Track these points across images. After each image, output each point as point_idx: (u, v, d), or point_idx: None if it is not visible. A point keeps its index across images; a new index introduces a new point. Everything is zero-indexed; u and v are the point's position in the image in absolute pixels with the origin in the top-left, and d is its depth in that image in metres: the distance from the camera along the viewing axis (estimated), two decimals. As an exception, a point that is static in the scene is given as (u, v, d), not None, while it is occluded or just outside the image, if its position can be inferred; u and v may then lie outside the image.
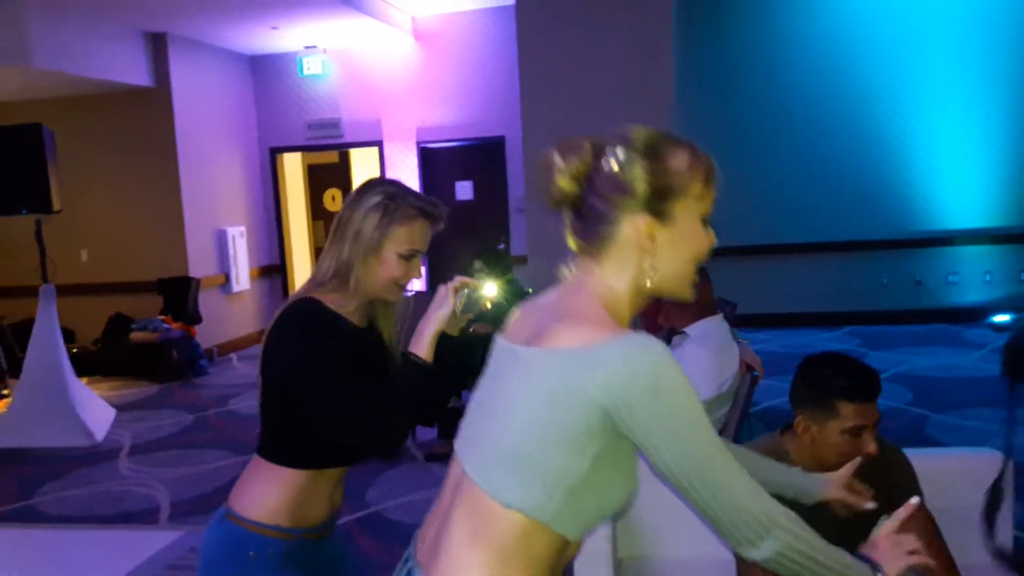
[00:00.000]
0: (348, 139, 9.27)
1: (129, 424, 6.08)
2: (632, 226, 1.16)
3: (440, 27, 8.78)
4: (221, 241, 8.67)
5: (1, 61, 6.62)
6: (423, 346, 1.64)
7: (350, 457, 1.74)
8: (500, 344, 1.27)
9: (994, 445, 2.52)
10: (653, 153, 1.16)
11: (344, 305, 1.68)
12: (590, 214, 1.18)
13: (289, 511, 1.65)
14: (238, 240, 8.84)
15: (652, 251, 1.16)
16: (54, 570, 3.71)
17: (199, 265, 8.29)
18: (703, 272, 4.34)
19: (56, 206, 5.89)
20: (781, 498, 1.22)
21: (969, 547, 2.33)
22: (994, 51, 7.69)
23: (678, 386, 1.06)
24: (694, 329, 3.04)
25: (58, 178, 5.93)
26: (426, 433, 5.32)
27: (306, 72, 9.10)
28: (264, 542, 1.64)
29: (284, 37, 8.43)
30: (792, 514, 1.14)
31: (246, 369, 7.97)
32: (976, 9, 7.69)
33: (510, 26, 8.20)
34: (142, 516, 4.32)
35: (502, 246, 8.62)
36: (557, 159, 1.18)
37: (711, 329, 3.00)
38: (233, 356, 8.60)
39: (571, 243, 1.23)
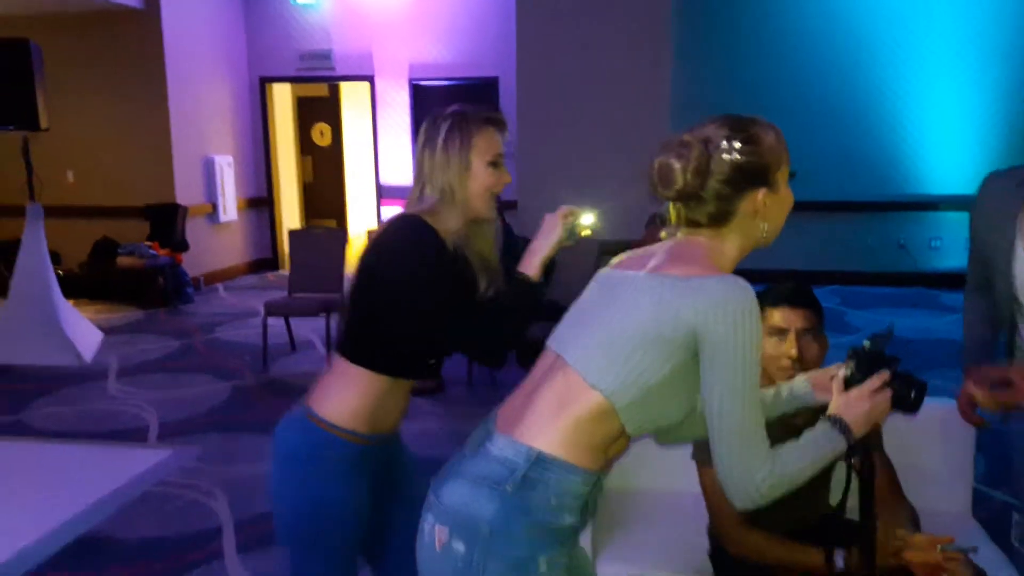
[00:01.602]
0: (339, 72, 9.17)
1: (116, 347, 6.12)
2: (752, 200, 1.38)
3: (438, -38, 8.63)
4: (209, 170, 8.61)
5: (-11, -27, 6.47)
6: (534, 268, 1.76)
7: (432, 368, 1.89)
8: (607, 273, 1.48)
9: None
10: (752, 137, 1.38)
11: (445, 228, 1.78)
12: (713, 197, 1.37)
13: (367, 417, 1.78)
14: (226, 170, 8.78)
15: (765, 216, 1.40)
16: (45, 482, 3.80)
17: (186, 193, 8.24)
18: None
19: (43, 123, 5.82)
20: (784, 418, 1.57)
21: (930, 493, 2.45)
22: (986, 18, 7.69)
23: (752, 328, 1.27)
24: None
25: (45, 95, 5.84)
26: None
27: (299, 1, 8.94)
28: (341, 444, 1.76)
29: (279, -37, 8.26)
30: (780, 460, 1.33)
31: (232, 299, 8.00)
32: (979, -27, 7.66)
33: (510, -35, 8.08)
34: (131, 435, 4.40)
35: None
36: (676, 161, 1.37)
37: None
38: (219, 286, 8.61)
39: (689, 219, 1.41)
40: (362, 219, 10.57)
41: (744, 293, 1.28)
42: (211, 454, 4.10)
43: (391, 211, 9.20)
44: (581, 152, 6.74)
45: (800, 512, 2.21)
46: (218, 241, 8.84)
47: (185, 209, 8.03)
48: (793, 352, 2.01)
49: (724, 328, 1.26)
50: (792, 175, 1.43)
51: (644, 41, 6.63)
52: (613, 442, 1.40)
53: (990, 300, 2.16)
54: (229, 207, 8.85)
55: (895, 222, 8.09)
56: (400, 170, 9.18)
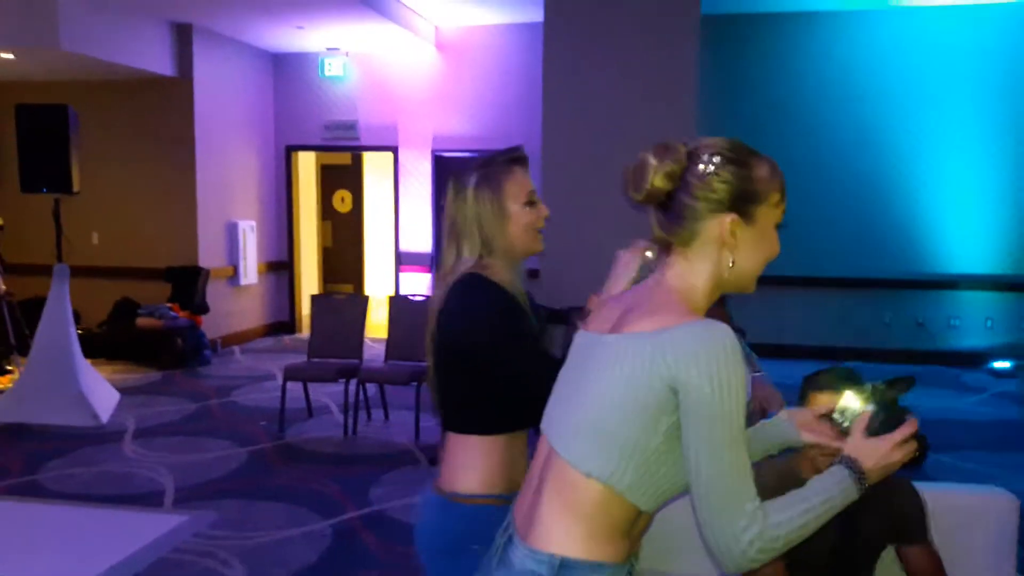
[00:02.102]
0: (364, 142, 9.35)
1: (132, 408, 6.11)
2: (719, 222, 1.29)
3: (462, 39, 8.88)
4: (232, 234, 8.72)
5: (31, 42, 6.70)
6: None
7: (537, 415, 1.86)
8: (583, 335, 1.39)
9: (996, 486, 2.57)
10: (742, 161, 1.30)
11: (502, 278, 1.79)
12: (680, 210, 1.30)
13: (501, 477, 1.76)
14: (248, 234, 8.90)
15: (733, 246, 1.30)
16: (58, 546, 3.74)
17: (209, 256, 8.34)
18: (721, 298, 4.37)
19: (76, 187, 5.95)
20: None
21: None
22: (1006, 99, 7.81)
23: (732, 378, 1.17)
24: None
25: (79, 160, 5.99)
26: (430, 436, 5.36)
27: (327, 73, 9.19)
28: (493, 511, 1.70)
29: (308, 37, 8.52)
30: (771, 511, 1.22)
31: (248, 362, 8.00)
32: (988, 57, 7.82)
33: (530, 41, 8.31)
34: (146, 499, 4.36)
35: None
36: (653, 159, 1.30)
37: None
38: (236, 349, 8.63)
39: (657, 236, 1.35)
40: (379, 284, 10.64)
41: (717, 337, 1.18)
42: (227, 520, 4.05)
43: (410, 277, 9.28)
44: (606, 222, 6.80)
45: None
46: (237, 304, 8.89)
47: (207, 272, 8.12)
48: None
49: (699, 379, 1.17)
50: (782, 225, 1.36)
51: (669, 114, 6.76)
52: (635, 521, 1.32)
53: None
54: (250, 270, 8.94)
55: (913, 300, 8.07)
56: (419, 237, 9.28)
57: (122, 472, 4.77)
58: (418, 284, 9.14)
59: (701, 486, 1.19)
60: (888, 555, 2.17)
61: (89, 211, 8.08)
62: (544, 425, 1.41)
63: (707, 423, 1.17)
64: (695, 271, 1.32)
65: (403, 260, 9.36)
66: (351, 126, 9.29)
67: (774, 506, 1.22)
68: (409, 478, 4.69)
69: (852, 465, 1.29)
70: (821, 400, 1.98)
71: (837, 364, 2.08)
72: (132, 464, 4.91)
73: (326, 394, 6.37)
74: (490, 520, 1.68)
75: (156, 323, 7.69)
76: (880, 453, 1.31)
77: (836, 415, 1.44)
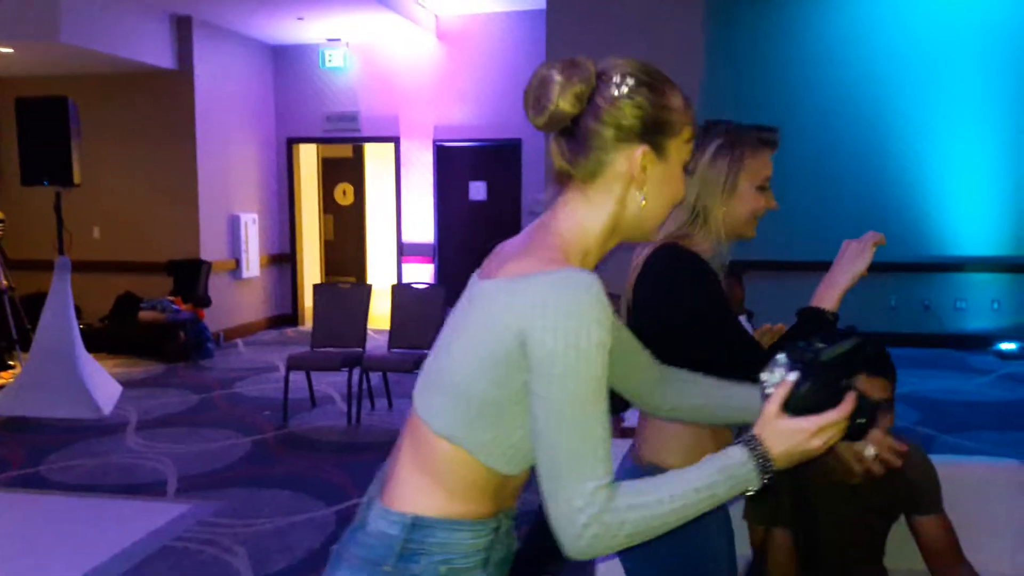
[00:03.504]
0: (365, 133, 9.31)
1: (135, 401, 6.09)
2: (628, 154, 1.13)
3: (463, 27, 8.83)
4: (234, 227, 8.70)
5: (31, 36, 6.66)
6: (833, 300, 1.66)
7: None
8: (471, 282, 1.23)
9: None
10: (656, 87, 1.14)
11: (705, 249, 1.70)
12: (585, 137, 1.13)
13: (691, 451, 1.62)
14: (250, 227, 8.87)
15: (643, 182, 1.14)
16: (59, 536, 3.72)
17: (211, 249, 8.31)
18: (738, 275, 4.34)
19: (77, 179, 5.92)
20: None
21: (985, 553, 2.35)
22: (1014, 80, 7.74)
23: (581, 331, 1.01)
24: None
25: (80, 152, 5.96)
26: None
27: (327, 64, 9.15)
28: None
29: (308, 28, 8.48)
30: (622, 493, 1.04)
31: (251, 354, 7.98)
32: (997, 39, 7.74)
33: (532, 29, 8.26)
34: (149, 489, 4.33)
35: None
36: (557, 76, 1.11)
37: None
38: (239, 341, 8.61)
39: (558, 167, 1.18)
40: (381, 276, 10.60)
41: (575, 288, 1.02)
42: (231, 509, 4.02)
43: (411, 268, 9.24)
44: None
45: (858, 572, 2.12)
46: (240, 297, 8.87)
47: (209, 265, 8.09)
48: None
49: (542, 332, 1.01)
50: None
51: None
52: (500, 484, 1.17)
53: None
54: (252, 263, 8.91)
55: (920, 283, 8.01)
56: (422, 228, 9.24)
57: (125, 463, 4.75)
58: (421, 274, 9.10)
59: (540, 453, 1.04)
60: (900, 529, 2.13)
61: (90, 206, 8.05)
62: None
63: (548, 381, 1.02)
64: (593, 210, 1.16)
65: (405, 251, 9.32)
66: (352, 117, 9.25)
67: (629, 487, 1.04)
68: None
69: (756, 448, 1.07)
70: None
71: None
72: (135, 455, 4.89)
73: (329, 384, 6.34)
74: None
75: (158, 317, 7.67)
76: (796, 438, 1.07)
77: (763, 375, 1.13)
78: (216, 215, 8.44)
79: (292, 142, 9.53)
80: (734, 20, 8.10)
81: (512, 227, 8.78)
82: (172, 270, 8.05)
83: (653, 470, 1.59)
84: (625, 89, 1.12)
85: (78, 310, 7.85)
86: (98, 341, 7.49)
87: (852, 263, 1.66)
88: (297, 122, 9.43)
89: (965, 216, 7.89)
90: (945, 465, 2.35)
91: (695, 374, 1.45)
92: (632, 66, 1.14)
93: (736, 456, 1.07)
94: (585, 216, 1.16)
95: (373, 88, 9.15)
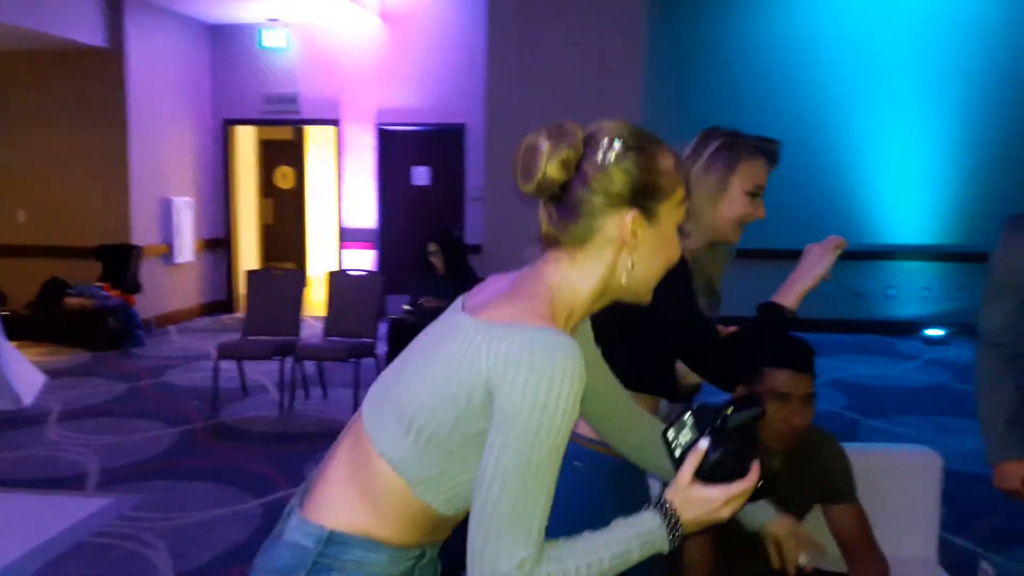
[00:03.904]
0: (305, 115, 9.12)
1: (59, 391, 5.88)
2: (618, 220, 1.12)
3: (408, 9, 8.69)
4: (166, 210, 8.45)
5: (-56, 7, 6.36)
6: (793, 298, 1.68)
7: (672, 391, 1.81)
8: (451, 308, 1.22)
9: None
10: (646, 150, 1.13)
11: (689, 249, 1.73)
12: (574, 203, 1.11)
13: None
14: (184, 211, 8.63)
15: (634, 247, 1.13)
16: (-28, 532, 3.57)
17: (142, 233, 8.07)
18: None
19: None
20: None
21: (896, 539, 2.40)
22: (946, 74, 7.93)
23: (554, 399, 1.00)
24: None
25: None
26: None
27: (266, 44, 8.93)
28: (594, 456, 1.65)
29: (247, 7, 8.25)
30: (560, 551, 1.05)
31: (184, 342, 7.79)
32: (930, 32, 7.92)
33: (478, 12, 8.17)
34: (69, 482, 4.19)
35: (457, 233, 8.56)
36: (545, 143, 1.10)
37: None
38: (172, 329, 8.39)
39: (545, 232, 1.16)
40: (322, 262, 10.44)
41: (554, 353, 1.00)
42: (154, 502, 3.91)
43: (352, 254, 9.12)
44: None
45: (771, 568, 2.13)
46: (173, 283, 8.64)
47: (140, 250, 7.85)
48: (796, 421, 1.92)
49: (512, 387, 1.00)
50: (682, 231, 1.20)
51: (613, 92, 6.70)
52: (433, 521, 1.15)
53: (1016, 358, 2.06)
54: (186, 248, 8.68)
55: (852, 271, 8.18)
56: (363, 213, 9.11)
57: (44, 456, 4.59)
58: (362, 261, 8.98)
59: (478, 504, 1.02)
60: (814, 515, 2.16)
61: (15, 188, 7.75)
62: (373, 385, 1.25)
63: (506, 438, 1.00)
64: (582, 273, 1.14)
65: (346, 237, 9.19)
66: (292, 99, 9.05)
67: (551, 557, 1.03)
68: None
69: (669, 515, 1.09)
70: (778, 380, 1.93)
71: (795, 337, 2.02)
72: (56, 447, 4.73)
73: (263, 373, 6.22)
74: (582, 459, 1.64)
75: (86, 303, 7.43)
76: (707, 507, 1.10)
77: (669, 434, 1.16)
78: (148, 198, 8.19)
79: (229, 124, 9.29)
80: (676, 9, 8.14)
81: (455, 213, 8.72)
82: (101, 255, 7.79)
83: (575, 438, 1.55)
84: (612, 155, 1.10)
85: (2, 296, 7.60)
86: (22, 328, 7.21)
87: (814, 266, 1.71)
88: (235, 103, 9.19)
89: (897, 206, 8.08)
90: (859, 453, 2.39)
91: (647, 417, 1.46)
92: (621, 129, 1.12)
93: (649, 523, 1.09)
94: (575, 278, 1.14)
95: (314, 69, 8.96)
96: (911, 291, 8.18)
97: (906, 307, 8.19)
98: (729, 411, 1.13)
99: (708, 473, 1.11)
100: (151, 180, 8.22)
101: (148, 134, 8.15)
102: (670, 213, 1.15)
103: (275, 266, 10.31)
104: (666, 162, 1.14)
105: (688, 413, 1.16)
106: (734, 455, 1.12)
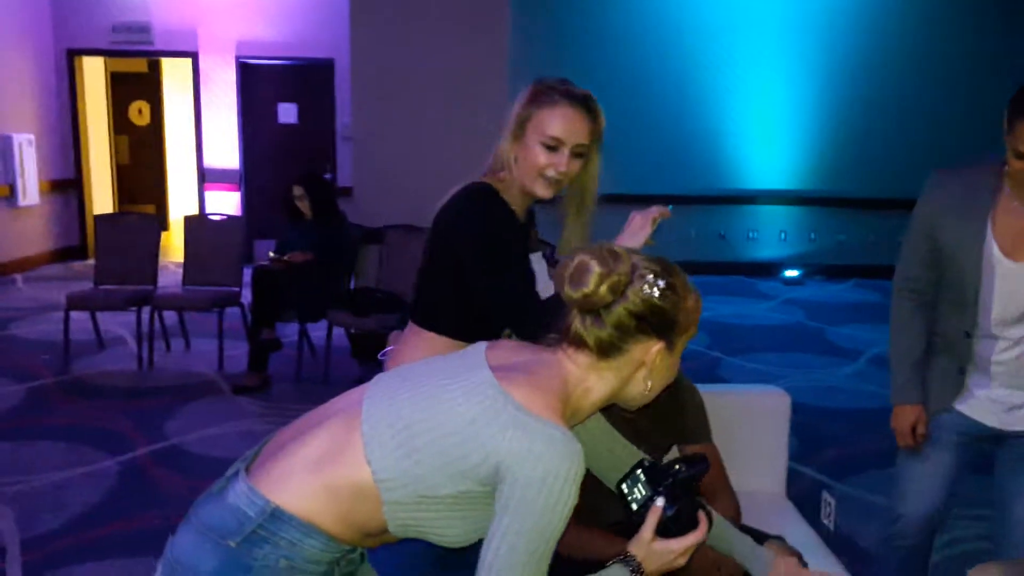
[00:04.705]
0: (159, 47, 8.51)
1: None
2: (646, 346, 1.25)
3: (268, -67, 8.18)
4: (5, 148, 7.75)
5: None
6: None
7: (490, 334, 1.74)
8: (479, 350, 1.30)
9: (775, 385, 2.73)
10: (679, 289, 1.26)
11: (508, 195, 1.76)
12: (613, 322, 1.23)
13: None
14: (26, 148, 7.94)
15: (652, 372, 1.27)
16: None
17: (-23, 173, 7.38)
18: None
19: None
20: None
21: (747, 474, 2.53)
22: (801, 28, 8.22)
23: (561, 498, 1.13)
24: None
25: None
26: (234, 365, 5.08)
27: (112, -33, 8.22)
28: None
29: (86, -76, 7.54)
30: None
31: (32, 291, 7.24)
32: (792, -18, 8.17)
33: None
34: None
35: (328, 175, 8.28)
36: (597, 266, 1.22)
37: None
38: (17, 277, 7.78)
39: (576, 334, 1.26)
40: (183, 205, 9.91)
41: (567, 456, 1.14)
42: (-3, 465, 3.65)
43: (215, 196, 8.69)
44: (417, 136, 6.61)
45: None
46: (16, 227, 7.98)
47: (-25, 191, 7.19)
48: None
49: (527, 481, 1.12)
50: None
51: (480, 22, 6.57)
52: (376, 532, 1.23)
53: (929, 305, 2.13)
54: (30, 190, 8.01)
55: (717, 215, 8.51)
56: (225, 153, 8.66)
57: None
58: (225, 203, 8.58)
59: (488, 571, 1.15)
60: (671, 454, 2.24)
61: None
62: (376, 383, 1.30)
63: (516, 523, 1.13)
64: (600, 382, 1.27)
65: (208, 178, 8.73)
66: (143, 28, 8.41)
67: None
68: (210, 409, 4.42)
69: (636, 569, 1.27)
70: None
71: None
72: None
73: (121, 324, 5.87)
74: None
75: (-86, 250, 6.76)
76: (667, 558, 1.28)
77: (624, 487, 1.33)
78: (-18, 135, 7.48)
79: (73, 54, 8.54)
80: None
81: (326, 153, 8.42)
82: (-71, 197, 7.09)
83: None
84: (656, 291, 1.23)
85: None
86: None
87: (635, 234, 1.76)
88: (79, 32, 8.45)
89: (758, 152, 8.41)
90: (715, 394, 2.49)
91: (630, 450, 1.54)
92: (662, 267, 1.25)
93: (619, 572, 1.26)
94: (593, 384, 1.27)
95: (167, -4, 8.33)
96: (770, 234, 8.60)
97: (767, 249, 8.60)
98: (678, 468, 1.31)
99: (664, 528, 1.28)
100: (-15, 115, 7.50)
101: (-21, 63, 7.40)
102: (683, 344, 1.31)
103: (132, 209, 9.69)
104: (691, 302, 1.29)
105: (640, 469, 1.33)
106: (686, 508, 1.30)
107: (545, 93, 1.74)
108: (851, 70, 8.22)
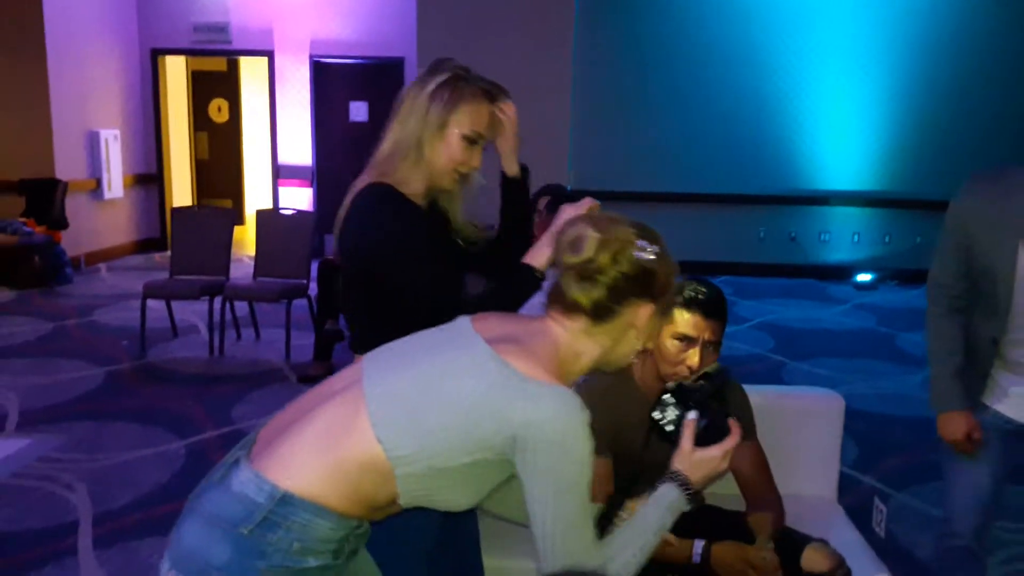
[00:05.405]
0: (237, 46, 8.80)
1: (-21, 330, 5.71)
2: (636, 309, 1.32)
3: (343, -64, 8.37)
4: (93, 144, 8.13)
5: None
6: (541, 260, 1.66)
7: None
8: (467, 324, 1.35)
9: (839, 391, 2.67)
10: (666, 257, 1.34)
11: (409, 187, 1.70)
12: (609, 287, 1.30)
13: None
14: (112, 144, 8.32)
15: (641, 334, 1.35)
16: None
17: (67, 167, 7.76)
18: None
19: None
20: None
21: (798, 478, 2.49)
22: (876, 23, 7.97)
23: (580, 450, 1.20)
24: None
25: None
26: (301, 354, 5.23)
27: (195, -30, 8.53)
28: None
29: (172, -72, 7.85)
30: (617, 548, 1.28)
31: (115, 280, 7.59)
32: (870, -23, 7.94)
33: (416, -57, 7.91)
34: (-14, 424, 4.10)
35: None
36: (594, 232, 1.30)
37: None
38: (102, 266, 8.17)
39: (573, 300, 1.31)
40: (259, 199, 10.22)
41: (577, 413, 1.21)
42: (76, 444, 3.85)
43: (288, 192, 8.94)
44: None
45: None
46: (102, 219, 8.37)
47: (65, 184, 7.56)
48: (695, 363, 1.96)
49: (548, 446, 1.19)
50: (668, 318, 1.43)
51: (546, 25, 6.60)
52: (384, 504, 1.28)
53: (964, 311, 2.10)
54: (115, 183, 8.39)
55: (787, 216, 8.32)
56: (299, 150, 8.90)
57: (-39, 396, 4.46)
58: (298, 199, 8.81)
59: (544, 544, 1.22)
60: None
61: (-74, 117, 7.34)
62: (369, 363, 1.33)
63: (551, 488, 1.20)
64: (591, 343, 1.33)
65: (282, 173, 8.98)
66: (222, 28, 8.71)
67: (613, 552, 1.26)
68: (275, 397, 4.57)
69: (684, 482, 1.34)
70: (685, 321, 1.94)
71: (702, 279, 2.04)
72: (-26, 388, 4.60)
73: (195, 313, 6.11)
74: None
75: (9, 239, 7.15)
76: (711, 465, 1.36)
77: (655, 414, 1.44)
78: (72, 131, 7.86)
79: (157, 53, 8.91)
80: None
81: (394, 151, 8.55)
82: (24, 189, 7.48)
83: None
84: (653, 256, 1.31)
85: (-85, 231, 7.26)
86: (-61, 265, 6.96)
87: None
88: (162, 32, 8.81)
89: (831, 152, 8.19)
90: (768, 395, 2.46)
91: None
92: (650, 236, 1.33)
93: (670, 494, 1.34)
94: (584, 348, 1.33)
95: (245, -3, 8.61)
96: (843, 236, 8.37)
97: (838, 252, 8.38)
98: (702, 384, 1.44)
99: (701, 438, 1.37)
100: (75, 112, 7.88)
101: (70, 63, 7.78)
102: (670, 306, 1.41)
103: (210, 203, 10.06)
104: (676, 268, 1.37)
105: (667, 394, 1.44)
106: (716, 418, 1.38)
107: (467, 88, 1.71)
108: (928, 68, 7.94)
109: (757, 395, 2.26)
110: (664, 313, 1.37)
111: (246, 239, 9.40)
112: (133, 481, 3.48)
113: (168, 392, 4.62)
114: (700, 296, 1.97)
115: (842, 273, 8.23)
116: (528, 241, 1.84)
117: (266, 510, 1.20)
